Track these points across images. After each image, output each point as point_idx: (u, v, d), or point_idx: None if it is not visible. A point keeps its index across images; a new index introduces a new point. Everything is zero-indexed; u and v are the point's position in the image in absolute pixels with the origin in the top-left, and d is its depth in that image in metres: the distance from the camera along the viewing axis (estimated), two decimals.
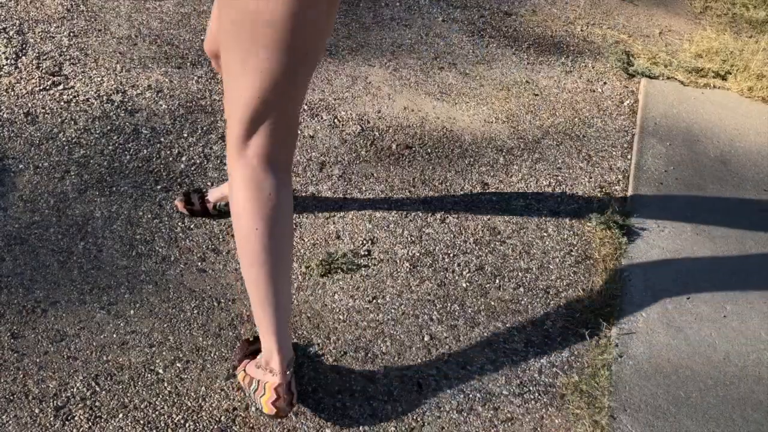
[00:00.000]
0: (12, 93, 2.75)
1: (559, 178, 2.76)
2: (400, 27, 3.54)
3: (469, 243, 2.44)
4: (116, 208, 2.38)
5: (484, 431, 1.92)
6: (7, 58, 2.90)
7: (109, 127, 2.67)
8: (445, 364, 2.06)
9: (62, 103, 2.74)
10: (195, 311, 2.11)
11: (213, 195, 2.39)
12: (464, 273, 2.34)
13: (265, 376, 1.79)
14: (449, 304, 2.23)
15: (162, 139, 2.66)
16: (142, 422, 1.82)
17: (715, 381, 2.09)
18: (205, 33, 3.25)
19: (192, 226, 2.36)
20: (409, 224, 2.48)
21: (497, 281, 2.33)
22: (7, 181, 2.41)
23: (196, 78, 2.97)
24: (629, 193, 2.71)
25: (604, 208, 2.62)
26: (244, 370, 1.88)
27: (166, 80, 2.93)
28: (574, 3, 4.01)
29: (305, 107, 2.92)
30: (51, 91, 2.78)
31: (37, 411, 1.81)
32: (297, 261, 2.30)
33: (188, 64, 3.05)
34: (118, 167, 2.52)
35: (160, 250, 2.27)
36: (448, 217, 2.53)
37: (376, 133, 2.84)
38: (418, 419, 1.92)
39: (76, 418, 1.81)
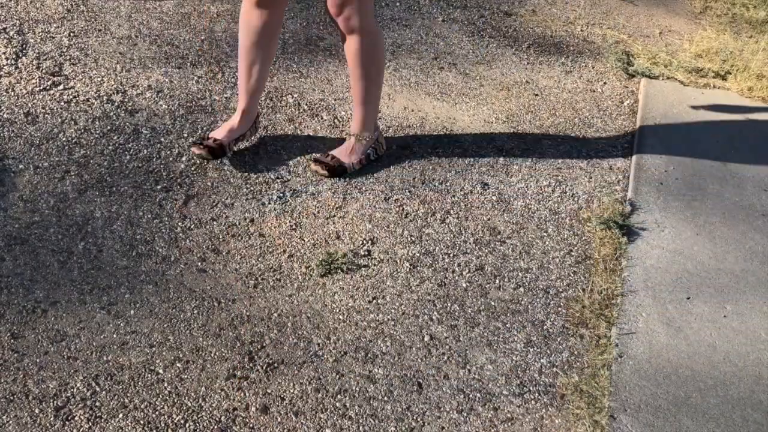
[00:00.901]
0: (12, 93, 2.75)
1: (559, 178, 2.76)
2: (400, 27, 3.54)
3: (469, 243, 2.44)
4: (116, 208, 2.38)
5: (484, 431, 1.92)
6: (7, 58, 2.90)
7: (109, 127, 2.67)
8: (445, 364, 2.06)
9: (62, 103, 2.74)
10: (195, 311, 2.11)
11: (223, 135, 2.57)
12: (464, 273, 2.34)
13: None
14: (449, 304, 2.23)
15: (162, 139, 2.66)
16: (142, 422, 1.82)
17: (715, 381, 2.09)
18: (206, 33, 3.25)
19: (192, 226, 2.36)
20: (409, 224, 2.48)
21: (497, 281, 2.33)
22: (7, 181, 2.41)
23: (196, 78, 2.97)
24: (629, 193, 2.71)
25: (604, 208, 2.62)
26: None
27: (166, 80, 2.93)
28: (574, 3, 4.01)
29: (305, 107, 2.92)
30: (51, 91, 2.78)
31: (37, 411, 1.81)
32: (297, 261, 2.30)
33: (188, 64, 3.05)
34: (118, 167, 2.52)
35: (160, 250, 2.27)
36: (448, 217, 2.53)
37: None
38: (418, 419, 1.92)
39: (76, 418, 1.81)
